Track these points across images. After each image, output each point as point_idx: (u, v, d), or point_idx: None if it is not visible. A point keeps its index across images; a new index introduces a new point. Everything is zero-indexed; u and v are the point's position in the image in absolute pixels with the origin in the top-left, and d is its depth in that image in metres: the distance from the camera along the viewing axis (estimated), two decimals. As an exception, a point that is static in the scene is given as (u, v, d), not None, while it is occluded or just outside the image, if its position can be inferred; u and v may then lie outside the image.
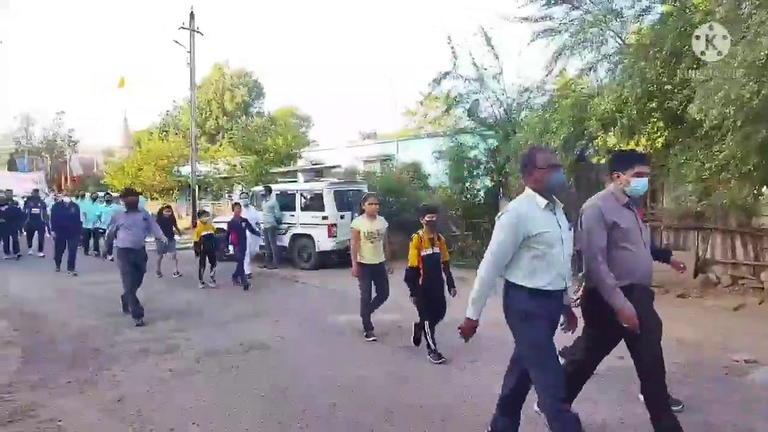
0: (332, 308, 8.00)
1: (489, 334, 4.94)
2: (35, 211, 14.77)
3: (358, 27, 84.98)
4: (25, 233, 15.04)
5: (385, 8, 78.88)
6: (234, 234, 10.07)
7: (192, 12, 20.83)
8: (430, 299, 5.49)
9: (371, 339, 6.25)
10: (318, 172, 13.69)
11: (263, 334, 6.58)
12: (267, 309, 8.02)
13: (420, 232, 5.57)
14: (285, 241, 12.26)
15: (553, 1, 10.46)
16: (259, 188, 13.29)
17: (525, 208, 3.08)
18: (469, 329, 3.15)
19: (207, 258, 9.98)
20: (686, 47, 7.90)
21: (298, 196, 12.34)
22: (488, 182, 13.76)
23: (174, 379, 5.08)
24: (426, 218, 5.57)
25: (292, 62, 78.75)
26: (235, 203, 11.39)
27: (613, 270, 3.27)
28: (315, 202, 12.07)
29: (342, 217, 11.63)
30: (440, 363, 5.30)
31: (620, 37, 9.95)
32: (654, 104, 9.12)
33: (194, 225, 17.96)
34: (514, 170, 11.14)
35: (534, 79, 12.46)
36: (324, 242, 11.66)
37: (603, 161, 10.92)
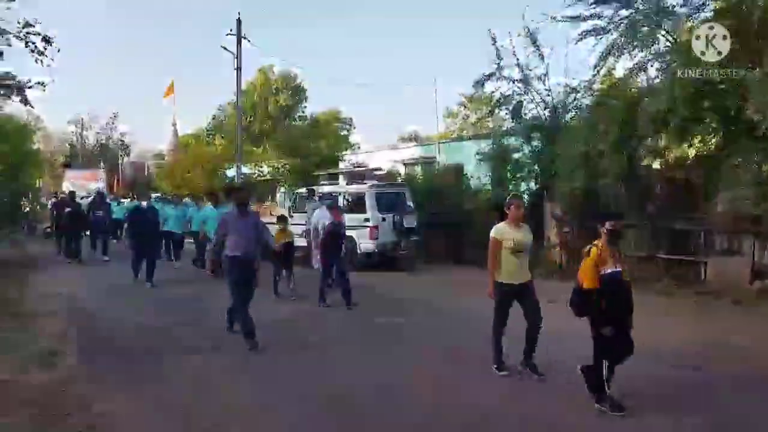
0: (374, 310, 8.03)
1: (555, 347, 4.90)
2: (99, 213, 14.20)
3: (402, 28, 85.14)
4: (88, 235, 14.39)
5: (430, 8, 78.74)
6: (331, 241, 8.37)
7: (239, 19, 21.29)
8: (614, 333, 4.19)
9: (503, 374, 5.06)
10: (360, 175, 13.76)
11: (307, 336, 6.66)
12: (310, 310, 8.10)
13: (599, 243, 4.41)
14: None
15: (601, 0, 10.23)
16: (302, 191, 13.46)
17: None
18: None
19: (285, 269, 9.06)
20: (742, 45, 7.60)
21: (341, 199, 12.45)
22: (533, 185, 13.53)
23: (221, 377, 5.20)
24: (607, 227, 4.43)
25: (335, 65, 79.50)
26: (332, 205, 9.38)
27: None
28: (357, 205, 12.14)
29: (383, 219, 11.66)
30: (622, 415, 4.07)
31: (672, 35, 9.64)
32: (707, 104, 8.79)
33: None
34: (560, 173, 10.92)
35: (581, 80, 12.22)
36: (366, 244, 11.72)
37: (654, 164, 10.60)
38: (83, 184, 28.83)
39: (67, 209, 13.61)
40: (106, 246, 14.16)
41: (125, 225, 12.79)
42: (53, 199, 18.88)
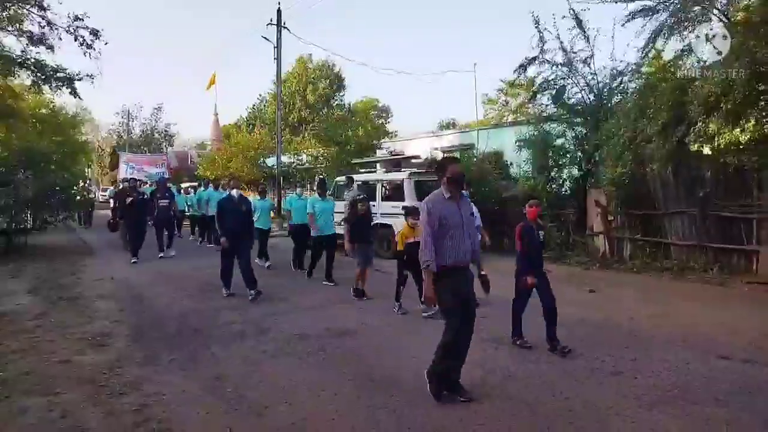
0: (413, 296, 8.02)
1: (578, 332, 4.80)
2: (163, 203, 12.90)
3: (441, 15, 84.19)
4: (154, 228, 12.68)
5: (466, -5, 77.69)
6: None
7: (279, 9, 21.48)
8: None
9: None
10: (398, 163, 13.72)
11: (349, 320, 6.74)
12: (351, 297, 8.17)
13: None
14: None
15: (650, -22, 9.87)
16: (341, 179, 13.54)
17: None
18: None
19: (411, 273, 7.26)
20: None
21: (379, 186, 12.46)
22: (575, 172, 13.23)
23: (268, 359, 5.31)
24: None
25: (374, 53, 79.34)
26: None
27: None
28: (395, 192, 12.13)
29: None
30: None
31: (726, 15, 9.21)
32: (763, 86, 8.39)
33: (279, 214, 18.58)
34: (605, 158, 10.64)
35: (628, 62, 11.83)
36: (404, 232, 11.67)
37: (703, 149, 10.20)
38: (142, 169, 26.93)
39: (129, 199, 11.87)
40: (172, 239, 13.17)
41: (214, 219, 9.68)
42: (113, 188, 18.78)
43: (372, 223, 8.94)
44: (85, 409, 4.14)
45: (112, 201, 13.92)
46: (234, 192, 8.52)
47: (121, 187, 13.73)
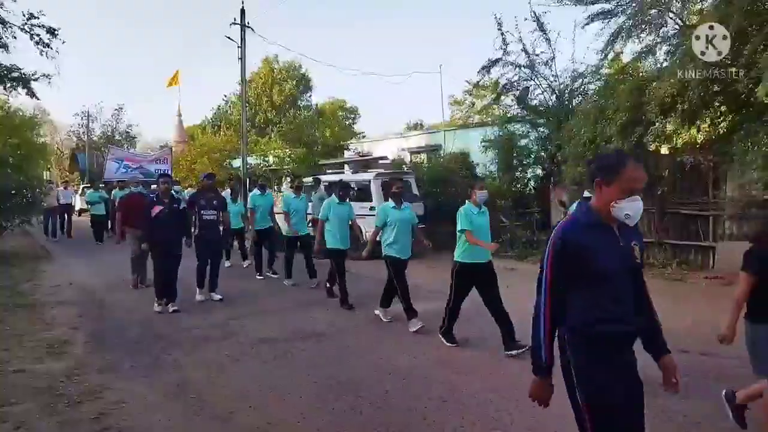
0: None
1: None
2: (209, 215, 8.98)
3: (407, 16, 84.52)
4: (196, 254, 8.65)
5: (432, -3, 78.24)
6: None
7: (243, 8, 21.19)
8: None
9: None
10: (365, 164, 13.72)
11: (316, 323, 6.70)
12: (318, 298, 8.12)
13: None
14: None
15: (608, -18, 10.13)
16: (308, 180, 13.46)
17: None
18: None
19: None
20: (753, 27, 7.48)
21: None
22: (539, 171, 13.48)
23: (232, 364, 5.24)
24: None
25: (339, 54, 79.20)
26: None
27: None
28: (363, 193, 12.12)
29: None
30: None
31: (681, 18, 9.52)
32: (717, 87, 8.68)
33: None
34: (567, 158, 10.85)
35: (588, 64, 12.11)
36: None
37: (661, 149, 10.50)
38: (141, 167, 19.08)
39: (158, 209, 7.29)
40: (216, 275, 8.32)
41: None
42: (117, 191, 15.03)
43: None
44: (41, 419, 4.01)
45: (117, 212, 9.32)
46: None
47: (131, 190, 10.22)
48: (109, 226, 16.46)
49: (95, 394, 4.47)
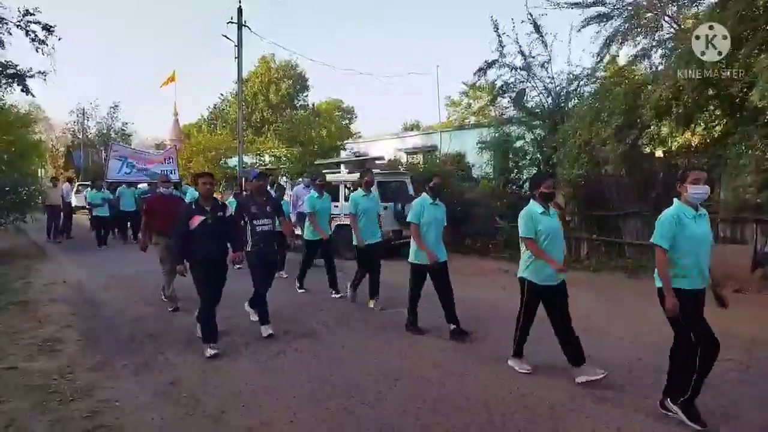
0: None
1: (536, 330, 4.90)
2: (264, 225, 8.26)
3: (404, 17, 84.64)
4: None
5: (430, -2, 78.33)
6: None
7: (240, 7, 21.17)
8: None
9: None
10: (361, 164, 13.70)
11: (309, 323, 6.69)
12: (311, 299, 8.12)
13: None
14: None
15: (605, -15, 10.17)
16: (304, 179, 13.45)
17: None
18: None
19: None
20: (748, 31, 7.53)
21: (342, 187, 12.42)
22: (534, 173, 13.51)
23: (224, 363, 5.24)
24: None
25: (337, 54, 79.21)
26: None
27: None
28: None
29: (385, 207, 11.64)
30: None
31: (676, 22, 9.57)
32: (712, 91, 8.74)
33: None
34: (562, 160, 10.89)
35: (584, 67, 12.15)
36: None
37: (656, 152, 10.56)
38: (146, 168, 17.95)
39: (198, 219, 5.60)
40: (262, 295, 6.68)
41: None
42: (123, 188, 15.19)
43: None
44: (33, 417, 4.00)
45: (143, 213, 7.70)
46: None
47: (159, 191, 7.89)
48: (114, 229, 16.25)
49: (88, 392, 4.47)
